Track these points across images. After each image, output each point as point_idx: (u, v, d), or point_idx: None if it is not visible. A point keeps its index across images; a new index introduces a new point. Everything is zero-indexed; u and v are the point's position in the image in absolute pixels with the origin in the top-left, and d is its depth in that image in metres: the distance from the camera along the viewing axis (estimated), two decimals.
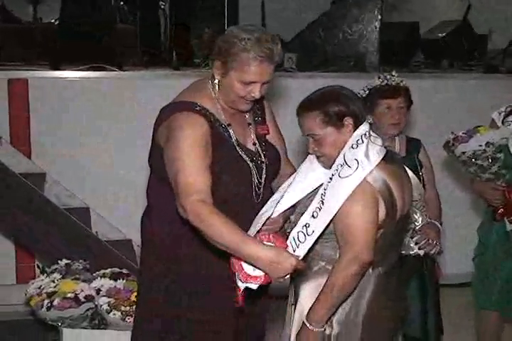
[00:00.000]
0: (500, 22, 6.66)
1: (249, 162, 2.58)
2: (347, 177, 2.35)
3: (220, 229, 2.30)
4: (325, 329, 2.41)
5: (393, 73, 3.41)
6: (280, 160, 2.72)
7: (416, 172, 3.35)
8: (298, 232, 2.38)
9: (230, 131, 2.57)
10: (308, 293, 2.47)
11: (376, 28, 5.06)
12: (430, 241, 3.25)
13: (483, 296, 3.56)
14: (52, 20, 5.99)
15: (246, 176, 2.57)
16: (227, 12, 5.55)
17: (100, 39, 4.96)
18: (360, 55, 5.06)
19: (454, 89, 5.23)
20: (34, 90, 4.58)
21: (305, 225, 2.37)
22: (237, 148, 2.57)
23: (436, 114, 5.09)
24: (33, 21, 6.02)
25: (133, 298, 3.43)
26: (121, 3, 5.97)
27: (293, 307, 2.55)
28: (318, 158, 2.51)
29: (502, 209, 3.38)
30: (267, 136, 2.71)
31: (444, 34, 6.52)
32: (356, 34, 5.10)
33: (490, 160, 3.28)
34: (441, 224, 3.32)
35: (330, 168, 2.45)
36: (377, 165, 2.40)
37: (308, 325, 2.39)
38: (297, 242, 2.38)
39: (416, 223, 3.30)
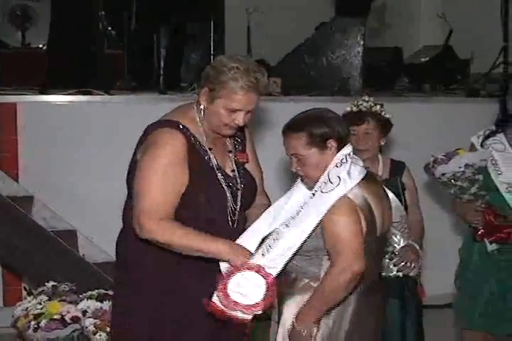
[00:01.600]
0: (482, 47, 6.77)
1: (224, 186, 2.63)
2: (328, 192, 2.45)
3: (184, 241, 2.48)
4: None
5: (365, 98, 3.46)
6: (256, 188, 2.78)
7: (398, 194, 3.39)
8: (269, 238, 2.50)
9: (211, 154, 2.63)
10: (293, 310, 2.52)
11: (359, 53, 5.17)
12: (408, 264, 3.28)
13: (466, 317, 3.60)
14: (41, 46, 6.09)
15: (221, 200, 2.63)
16: (214, 37, 5.65)
17: (88, 64, 5.02)
18: (343, 80, 5.15)
19: (437, 112, 5.32)
20: (22, 114, 4.63)
21: (275, 231, 2.48)
22: (217, 172, 2.63)
23: (420, 137, 5.17)
24: (22, 46, 6.09)
25: None
26: (109, 28, 6.06)
27: (277, 324, 2.60)
28: (301, 177, 2.58)
29: (482, 230, 3.44)
30: (246, 165, 2.77)
31: (427, 58, 6.64)
32: (340, 59, 5.20)
33: (469, 182, 3.35)
34: (421, 247, 3.35)
35: (312, 188, 2.52)
36: (358, 184, 2.48)
37: (296, 325, 2.45)
38: (267, 247, 2.48)
39: (396, 245, 3.33)
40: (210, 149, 2.63)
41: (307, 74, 5.26)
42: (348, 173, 2.48)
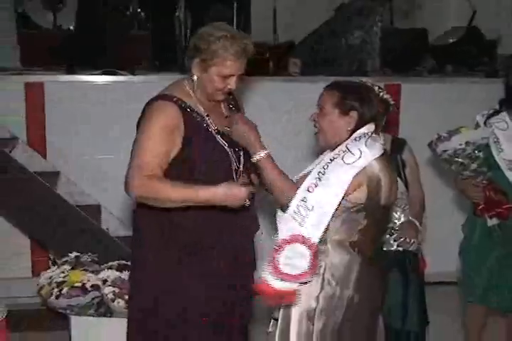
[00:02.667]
0: (509, 28, 6.77)
1: (227, 148, 2.77)
2: (350, 164, 2.61)
3: (170, 190, 2.56)
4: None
5: (363, 79, 3.49)
6: None
7: (397, 171, 3.44)
8: (297, 206, 2.60)
9: (209, 120, 2.78)
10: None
11: (377, 34, 5.25)
12: (407, 240, 3.38)
13: (469, 290, 3.72)
14: (71, 27, 6.23)
15: (225, 162, 2.77)
16: (239, 19, 5.74)
17: (114, 45, 5.17)
18: (362, 60, 5.24)
19: (453, 92, 5.39)
20: (50, 93, 4.82)
21: (302, 199, 2.60)
22: (217, 137, 2.77)
23: (434, 117, 5.24)
24: (53, 28, 6.25)
25: None
26: (139, 10, 6.20)
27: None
28: (315, 133, 2.79)
29: (482, 205, 3.55)
30: None
31: (454, 39, 6.66)
32: (358, 40, 5.28)
33: (469, 159, 3.45)
34: (420, 223, 3.44)
35: (323, 146, 2.76)
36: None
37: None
38: (300, 216, 2.58)
39: (396, 221, 3.43)
40: (207, 115, 2.78)
41: (326, 55, 5.36)
42: (368, 147, 2.64)
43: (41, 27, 6.30)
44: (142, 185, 2.58)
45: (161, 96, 2.76)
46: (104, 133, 4.90)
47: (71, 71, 4.96)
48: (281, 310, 2.71)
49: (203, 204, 2.59)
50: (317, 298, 2.65)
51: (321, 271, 2.65)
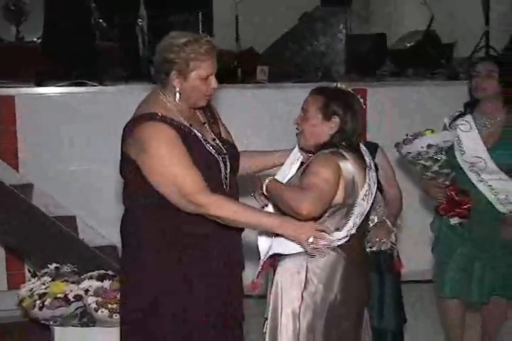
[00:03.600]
0: (464, 31, 6.95)
1: (216, 155, 2.82)
2: None
3: (241, 212, 2.66)
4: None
5: (337, 85, 3.62)
6: (238, 152, 2.97)
7: None
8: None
9: (194, 129, 2.81)
10: (283, 270, 2.78)
11: (342, 40, 5.36)
12: (377, 239, 3.43)
13: (441, 286, 3.83)
14: (34, 39, 6.24)
15: (216, 169, 2.82)
16: (202, 27, 5.81)
17: (81, 56, 5.19)
18: (327, 66, 5.34)
19: (417, 95, 5.51)
20: (20, 106, 4.83)
21: None
22: (204, 144, 2.81)
23: (401, 120, 5.36)
24: (16, 40, 6.24)
25: (119, 296, 3.66)
26: (100, 20, 6.21)
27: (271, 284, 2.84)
28: (296, 134, 2.85)
29: (443, 205, 3.69)
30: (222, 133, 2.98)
31: (411, 44, 6.80)
32: (323, 46, 5.38)
33: (431, 161, 3.58)
34: (394, 223, 3.51)
35: (303, 147, 2.83)
36: (350, 157, 2.74)
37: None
38: None
39: (370, 223, 3.44)
40: (191, 125, 2.81)
41: (292, 62, 5.45)
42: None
43: (3, 40, 6.31)
44: (214, 203, 2.66)
45: (146, 117, 2.74)
46: (77, 145, 4.92)
47: (40, 83, 4.97)
48: (270, 309, 2.79)
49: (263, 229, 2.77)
50: (301, 295, 2.73)
51: (303, 270, 2.73)
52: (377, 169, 3.56)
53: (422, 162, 3.59)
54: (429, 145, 3.58)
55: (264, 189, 2.72)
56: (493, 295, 3.80)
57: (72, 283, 3.84)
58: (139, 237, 2.79)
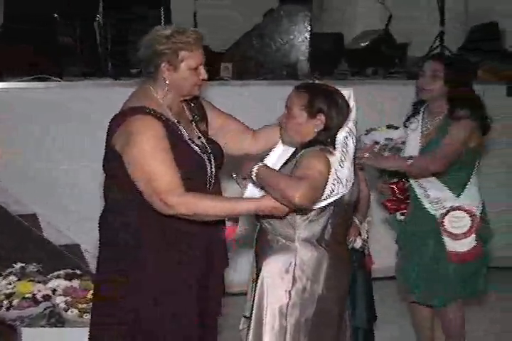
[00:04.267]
0: (419, 31, 7.02)
1: (202, 154, 2.80)
2: None
3: (213, 206, 2.64)
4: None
5: (314, 81, 3.61)
6: (223, 152, 2.94)
7: None
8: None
9: (181, 128, 2.79)
10: (272, 269, 2.75)
11: (306, 38, 5.36)
12: (348, 238, 3.39)
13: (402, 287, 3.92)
14: None
15: (202, 168, 2.80)
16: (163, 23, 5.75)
17: (42, 51, 5.09)
18: (291, 64, 5.34)
19: (379, 95, 5.55)
20: None
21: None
22: (190, 143, 2.79)
23: (363, 118, 5.38)
24: None
25: (89, 296, 3.59)
26: (55, 15, 6.10)
27: (254, 283, 2.81)
28: (280, 130, 2.82)
29: (387, 202, 3.77)
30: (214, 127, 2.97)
31: (366, 43, 6.84)
32: (288, 44, 5.38)
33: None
34: (362, 221, 3.54)
35: (287, 143, 2.81)
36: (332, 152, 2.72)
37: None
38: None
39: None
40: (178, 122, 2.79)
41: (257, 59, 5.44)
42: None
43: None
44: (182, 204, 2.62)
45: (136, 110, 2.72)
46: (39, 141, 4.82)
47: (1, 79, 4.86)
48: (254, 307, 2.76)
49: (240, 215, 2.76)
50: (289, 293, 2.71)
51: (291, 268, 2.73)
52: None
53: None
54: (376, 142, 3.65)
55: (255, 173, 2.66)
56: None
57: (39, 282, 3.75)
58: (138, 236, 2.74)
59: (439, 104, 3.65)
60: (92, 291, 3.45)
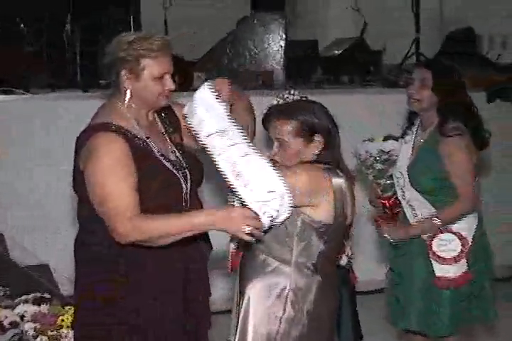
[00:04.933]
0: (394, 38, 6.92)
1: (175, 171, 2.63)
2: None
3: (167, 224, 2.44)
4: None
5: (291, 91, 3.45)
6: (201, 164, 2.78)
7: None
8: None
9: (151, 143, 2.62)
10: (262, 293, 2.57)
11: (282, 46, 5.22)
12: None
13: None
14: None
15: (175, 186, 2.62)
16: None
17: (6, 63, 4.91)
18: (267, 73, 5.19)
19: (356, 103, 5.41)
20: None
21: None
22: (162, 160, 2.62)
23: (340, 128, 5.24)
24: None
25: (59, 322, 3.44)
26: (22, 26, 5.92)
27: (238, 307, 2.64)
28: (274, 163, 2.54)
29: (378, 218, 3.50)
30: (184, 142, 2.78)
31: (340, 51, 6.73)
32: (262, 53, 5.23)
33: (368, 168, 3.39)
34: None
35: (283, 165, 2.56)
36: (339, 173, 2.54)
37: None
38: None
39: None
40: (147, 138, 2.62)
41: (231, 68, 5.28)
42: None
43: None
44: (133, 230, 2.42)
45: (100, 127, 2.55)
46: (3, 155, 4.61)
47: None
48: (238, 332, 2.59)
49: (201, 231, 2.48)
50: (280, 320, 2.55)
51: (285, 292, 2.56)
52: None
53: (363, 168, 3.40)
54: (367, 151, 3.39)
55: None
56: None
57: (6, 307, 3.55)
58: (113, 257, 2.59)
59: (430, 115, 3.38)
60: (61, 317, 3.40)
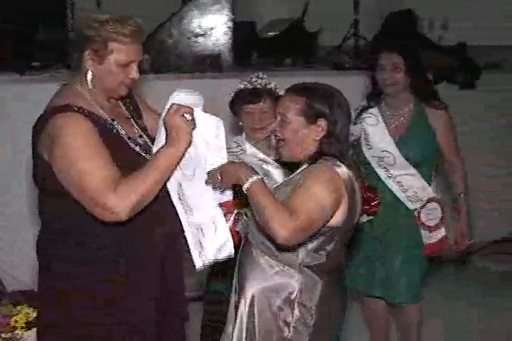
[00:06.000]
0: (333, 20, 6.82)
1: (144, 154, 2.49)
2: None
3: (145, 175, 2.32)
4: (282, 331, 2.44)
5: (259, 75, 3.38)
6: None
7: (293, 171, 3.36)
8: None
9: (117, 126, 2.47)
10: (263, 297, 2.45)
11: (229, 28, 5.05)
12: None
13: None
14: None
15: None
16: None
17: None
18: (214, 55, 5.00)
19: None
20: None
21: None
22: (129, 143, 2.48)
23: None
24: None
25: (12, 323, 3.21)
26: None
27: (237, 310, 2.51)
28: (277, 143, 2.48)
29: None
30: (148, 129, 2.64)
31: (276, 33, 6.59)
32: (208, 35, 5.05)
33: None
34: None
35: (286, 158, 2.49)
36: (344, 165, 2.42)
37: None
38: None
39: None
40: (113, 120, 2.47)
41: (175, 51, 5.07)
42: None
43: None
44: (122, 200, 2.27)
45: (59, 109, 2.36)
46: None
47: None
48: (244, 338, 2.46)
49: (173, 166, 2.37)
50: (288, 325, 2.43)
51: (292, 296, 2.42)
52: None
53: None
54: None
55: (246, 188, 2.29)
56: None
57: None
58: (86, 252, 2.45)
59: (403, 96, 3.61)
60: (14, 318, 3.18)
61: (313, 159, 2.43)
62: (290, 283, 2.43)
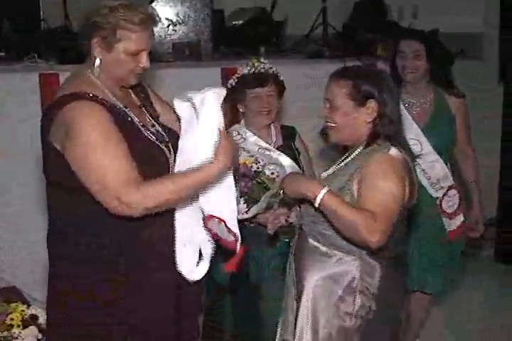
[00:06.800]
0: (300, 8, 6.77)
1: (159, 143, 2.43)
2: None
3: (177, 182, 2.26)
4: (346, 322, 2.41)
5: (262, 60, 3.40)
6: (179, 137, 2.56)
7: (295, 159, 3.36)
8: None
9: (130, 113, 2.41)
10: (324, 287, 2.42)
11: (208, 15, 4.97)
12: None
13: None
14: None
15: (160, 158, 2.43)
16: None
17: None
18: (193, 44, 4.92)
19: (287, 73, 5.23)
20: None
21: None
22: (144, 131, 2.42)
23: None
24: None
25: (8, 321, 3.12)
26: None
27: (296, 301, 2.48)
28: (327, 128, 2.45)
29: None
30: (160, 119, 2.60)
31: (240, 21, 6.52)
32: (188, 22, 4.96)
33: None
34: None
35: (336, 142, 2.47)
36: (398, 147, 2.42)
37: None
38: None
39: None
40: (126, 107, 2.41)
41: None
42: None
43: None
44: (144, 197, 2.20)
45: (72, 97, 2.29)
46: None
47: None
48: (305, 331, 2.42)
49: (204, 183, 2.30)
50: (349, 314, 2.41)
51: (354, 284, 2.40)
52: (299, 153, 3.39)
53: None
54: None
55: (318, 202, 2.26)
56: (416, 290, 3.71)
57: None
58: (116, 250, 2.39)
59: (422, 84, 3.64)
60: (10, 316, 3.13)
61: (367, 143, 2.40)
62: (350, 271, 2.41)
